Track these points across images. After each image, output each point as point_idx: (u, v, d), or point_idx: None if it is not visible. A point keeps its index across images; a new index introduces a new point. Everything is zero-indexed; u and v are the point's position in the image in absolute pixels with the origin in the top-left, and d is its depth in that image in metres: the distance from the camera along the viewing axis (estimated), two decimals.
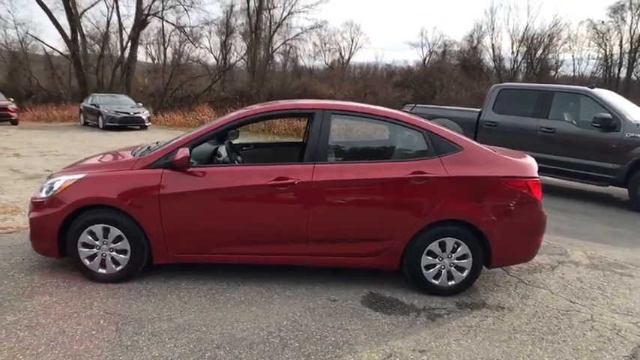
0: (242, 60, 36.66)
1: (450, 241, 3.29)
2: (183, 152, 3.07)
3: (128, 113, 15.70)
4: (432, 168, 3.25)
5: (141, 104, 17.55)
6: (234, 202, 3.19)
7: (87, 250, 3.21)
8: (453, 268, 3.34)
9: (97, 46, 28.59)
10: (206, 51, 37.01)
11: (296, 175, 3.18)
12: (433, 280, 3.35)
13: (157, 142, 3.87)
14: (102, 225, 3.17)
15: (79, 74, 26.73)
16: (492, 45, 35.32)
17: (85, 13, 27.64)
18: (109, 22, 28.10)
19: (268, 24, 36.74)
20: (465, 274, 3.35)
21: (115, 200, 3.14)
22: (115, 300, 3.03)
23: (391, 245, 3.28)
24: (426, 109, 9.19)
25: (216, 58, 35.72)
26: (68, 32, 25.82)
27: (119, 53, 28.68)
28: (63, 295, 3.05)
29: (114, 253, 3.22)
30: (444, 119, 8.60)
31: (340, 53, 43.40)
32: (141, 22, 27.78)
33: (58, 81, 26.71)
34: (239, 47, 37.07)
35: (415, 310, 3.15)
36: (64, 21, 25.31)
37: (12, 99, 16.65)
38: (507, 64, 35.06)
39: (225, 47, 35.90)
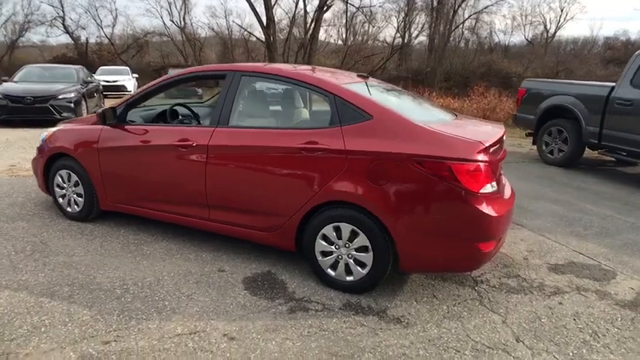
0: (424, 36, 35.42)
1: (345, 228, 2.74)
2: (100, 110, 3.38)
3: None
4: (328, 139, 2.74)
5: None
6: (146, 159, 3.35)
7: (60, 190, 3.87)
8: (351, 260, 2.79)
9: (285, 30, 31.79)
10: (387, 29, 37.06)
11: (196, 137, 3.13)
12: (329, 271, 2.87)
13: None
14: (65, 170, 3.76)
15: (270, 57, 30.39)
16: None
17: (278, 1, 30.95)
18: (296, 5, 30.85)
19: None
20: (365, 270, 2.76)
21: (72, 150, 3.67)
22: (59, 233, 3.60)
23: (284, 222, 2.94)
24: (541, 84, 7.43)
25: (401, 36, 35.32)
26: (263, 19, 29.50)
27: (303, 36, 31.32)
28: (35, 224, 3.78)
29: (75, 195, 3.79)
30: (564, 96, 6.86)
31: (545, 26, 37.45)
32: (323, 5, 29.61)
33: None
34: (421, 24, 35.84)
35: (287, 299, 2.77)
36: (259, 8, 29.00)
37: None
38: None
39: (405, 24, 35.23)
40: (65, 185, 3.82)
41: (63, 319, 2.46)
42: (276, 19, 30.77)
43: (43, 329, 2.37)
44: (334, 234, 2.79)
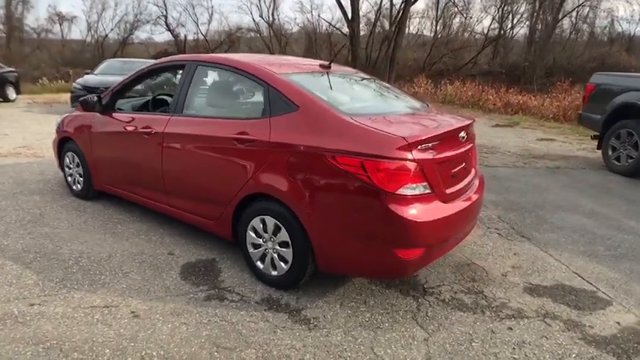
0: (525, 27, 32.54)
1: (270, 221, 2.69)
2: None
3: None
4: (257, 130, 2.69)
5: None
6: (122, 145, 3.59)
7: (68, 170, 4.31)
8: (276, 255, 2.73)
9: (369, 23, 31.45)
10: (486, 19, 34.62)
11: (155, 125, 3.28)
12: (259, 263, 2.84)
13: None
14: (71, 152, 4.18)
15: (353, 51, 30.30)
16: None
17: None
18: None
19: None
20: (287, 266, 2.68)
21: (73, 134, 4.07)
22: (59, 208, 4.02)
23: (222, 212, 2.96)
24: (613, 79, 6.42)
25: (499, 26, 32.87)
26: (349, 12, 29.47)
27: (388, 29, 30.67)
28: (45, 198, 4.26)
29: (77, 175, 4.20)
30: (637, 92, 5.91)
31: None
32: None
33: (334, 57, 31.10)
34: (521, 14, 32.93)
35: (211, 287, 2.80)
36: (345, 2, 28.98)
37: None
38: None
39: (502, 14, 32.65)
40: (71, 166, 4.25)
41: (11, 281, 2.76)
42: (362, 13, 30.52)
43: None
44: (261, 227, 2.75)
